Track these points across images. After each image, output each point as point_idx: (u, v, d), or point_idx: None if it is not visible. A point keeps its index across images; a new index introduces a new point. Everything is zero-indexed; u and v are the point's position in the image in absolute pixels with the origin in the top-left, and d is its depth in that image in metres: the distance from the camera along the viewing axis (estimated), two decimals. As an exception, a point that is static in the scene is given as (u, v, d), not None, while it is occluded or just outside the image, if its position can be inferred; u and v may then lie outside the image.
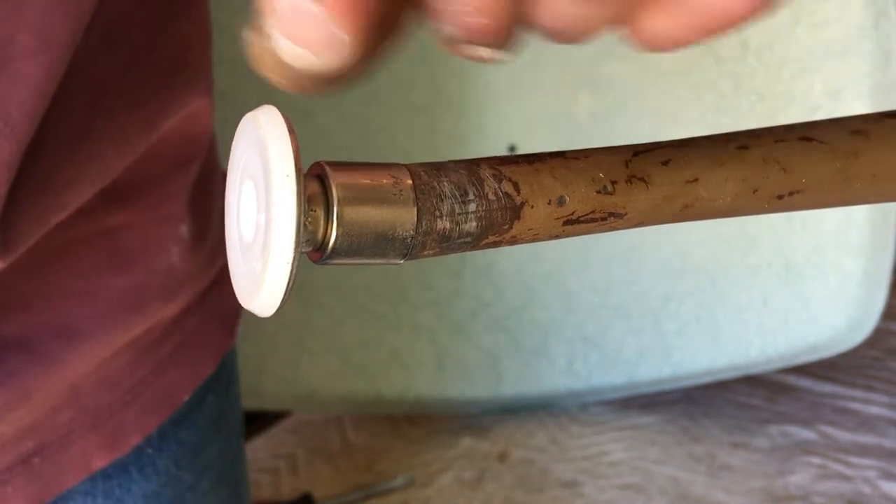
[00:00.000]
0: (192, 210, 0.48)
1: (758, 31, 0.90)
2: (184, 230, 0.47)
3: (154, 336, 0.47)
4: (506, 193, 0.23)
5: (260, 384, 1.01)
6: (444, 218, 0.22)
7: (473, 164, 0.23)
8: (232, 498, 0.55)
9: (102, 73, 0.40)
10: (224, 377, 0.53)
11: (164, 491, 0.48)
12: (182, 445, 0.49)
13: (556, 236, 0.24)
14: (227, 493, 0.54)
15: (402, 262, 0.23)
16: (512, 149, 0.95)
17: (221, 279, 0.51)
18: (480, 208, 0.23)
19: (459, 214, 0.23)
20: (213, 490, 0.52)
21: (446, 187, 0.23)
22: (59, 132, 0.38)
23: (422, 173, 0.23)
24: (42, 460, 0.43)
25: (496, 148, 0.95)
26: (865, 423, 1.00)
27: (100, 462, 0.45)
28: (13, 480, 0.43)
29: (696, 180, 0.25)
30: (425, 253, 0.23)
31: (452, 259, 0.98)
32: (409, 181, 0.22)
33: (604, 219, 0.24)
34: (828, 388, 1.07)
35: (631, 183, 0.24)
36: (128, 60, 0.41)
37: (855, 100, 0.89)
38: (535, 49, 0.92)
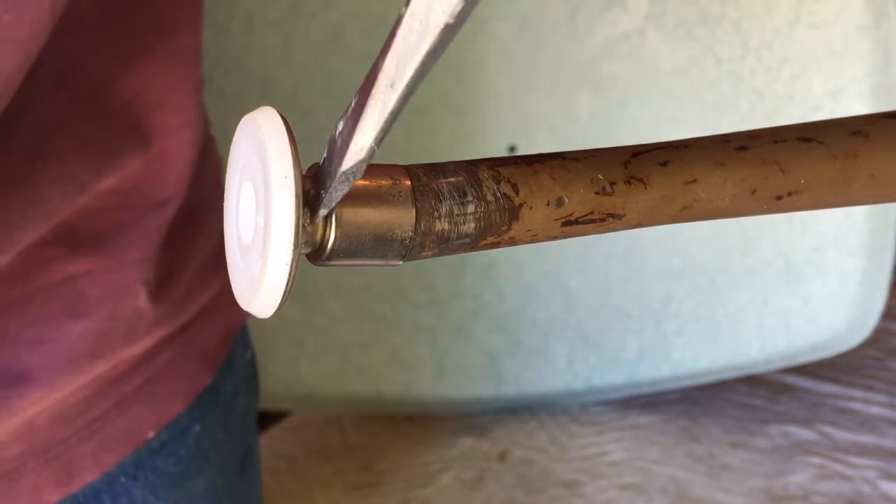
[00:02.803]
0: (164, 252, 0.45)
1: (758, 31, 0.90)
2: (151, 274, 0.44)
3: (117, 373, 0.44)
4: (504, 195, 0.23)
5: (259, 384, 1.01)
6: (443, 219, 0.22)
7: (472, 166, 0.23)
8: None
9: (51, 112, 0.38)
10: (218, 408, 0.50)
11: None
12: (161, 475, 0.46)
13: (555, 237, 0.24)
14: None
15: (400, 263, 0.23)
16: (512, 149, 0.95)
17: (204, 316, 0.48)
18: (479, 209, 0.23)
19: (458, 216, 0.23)
20: None
21: (445, 188, 0.23)
22: None
23: (420, 174, 0.23)
24: None
25: (496, 148, 0.94)
26: (865, 423, 1.00)
27: (52, 496, 0.43)
28: None
29: (694, 181, 0.25)
30: (424, 254, 0.23)
31: (452, 259, 0.98)
32: (408, 182, 0.22)
33: (602, 220, 0.24)
34: (828, 388, 1.07)
35: (629, 184, 0.24)
36: (81, 99, 0.39)
37: (855, 100, 0.89)
38: (535, 49, 0.92)
